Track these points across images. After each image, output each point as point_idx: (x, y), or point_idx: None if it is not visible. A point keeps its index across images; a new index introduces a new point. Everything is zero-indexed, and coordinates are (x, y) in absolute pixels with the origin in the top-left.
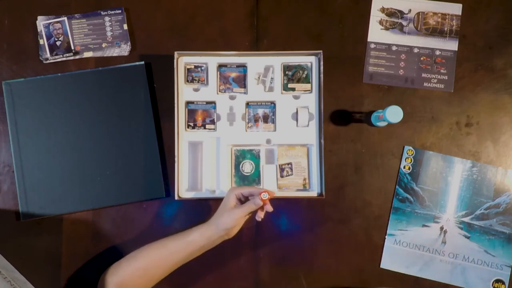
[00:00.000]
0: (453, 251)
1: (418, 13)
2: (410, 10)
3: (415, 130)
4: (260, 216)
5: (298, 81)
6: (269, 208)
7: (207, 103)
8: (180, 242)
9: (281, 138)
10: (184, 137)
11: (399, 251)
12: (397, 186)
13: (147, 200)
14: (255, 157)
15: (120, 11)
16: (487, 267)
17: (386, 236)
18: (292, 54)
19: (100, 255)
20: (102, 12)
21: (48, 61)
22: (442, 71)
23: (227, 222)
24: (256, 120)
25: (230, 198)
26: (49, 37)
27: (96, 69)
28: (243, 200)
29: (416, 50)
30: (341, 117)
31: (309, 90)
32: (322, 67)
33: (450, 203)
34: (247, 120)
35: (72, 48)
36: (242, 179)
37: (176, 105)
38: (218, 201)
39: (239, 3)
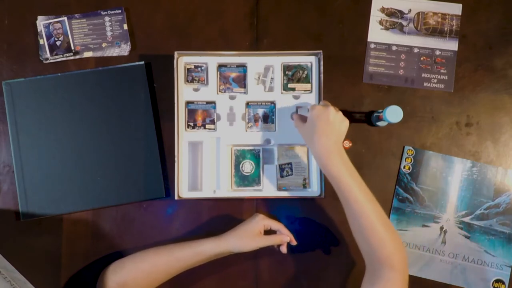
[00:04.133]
0: (453, 251)
1: (418, 13)
2: (410, 10)
3: (415, 130)
4: (284, 250)
5: (298, 81)
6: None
7: (207, 103)
8: (189, 251)
9: (281, 138)
10: (184, 137)
11: None
12: (397, 186)
13: (147, 200)
14: (255, 157)
15: (120, 11)
16: (487, 267)
17: None
18: (292, 54)
19: (100, 255)
20: (102, 12)
21: (48, 61)
22: (442, 71)
23: (246, 247)
24: (256, 120)
25: (257, 226)
26: (49, 37)
27: (96, 69)
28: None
29: (416, 50)
30: None
31: (309, 90)
32: (322, 67)
33: (450, 203)
34: (247, 120)
35: (72, 48)
36: (242, 179)
37: (176, 105)
38: (218, 201)
39: (239, 3)
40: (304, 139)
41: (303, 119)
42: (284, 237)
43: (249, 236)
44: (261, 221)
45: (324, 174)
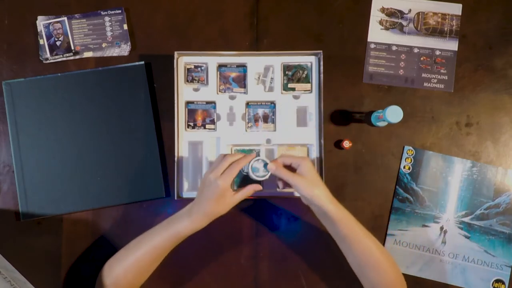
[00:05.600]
0: (453, 251)
1: (418, 13)
2: (410, 10)
3: (415, 130)
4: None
5: (298, 81)
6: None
7: (207, 103)
8: (166, 235)
9: (281, 138)
10: (184, 137)
11: (399, 251)
12: (397, 186)
13: (147, 200)
14: None
15: (120, 11)
16: (487, 267)
17: (386, 236)
18: (292, 54)
19: (100, 255)
20: (102, 12)
21: (48, 61)
22: (442, 71)
23: (224, 210)
24: (256, 120)
25: (218, 190)
26: (49, 37)
27: (96, 69)
28: None
29: (416, 50)
30: (341, 117)
31: (309, 90)
32: (322, 67)
33: (450, 203)
34: (247, 120)
35: (72, 48)
36: (242, 179)
37: (176, 105)
38: None
39: (239, 3)
40: (301, 189)
41: (290, 170)
42: (255, 187)
43: (216, 202)
44: (220, 183)
45: (329, 220)
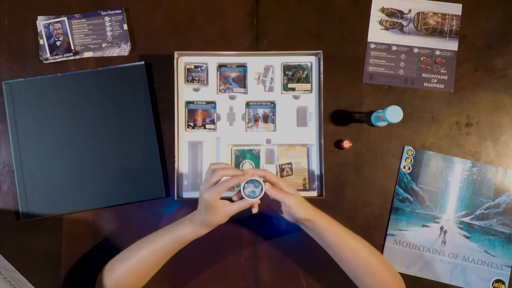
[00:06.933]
0: (453, 251)
1: (418, 13)
2: (410, 10)
3: (415, 130)
4: (255, 210)
5: (298, 81)
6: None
7: (207, 103)
8: (169, 239)
9: (281, 138)
10: (184, 137)
11: (399, 251)
12: (397, 186)
13: (147, 200)
14: (255, 157)
15: (120, 11)
16: (487, 267)
17: (386, 236)
18: (292, 54)
19: (100, 255)
20: (102, 12)
21: (48, 61)
22: (442, 71)
23: (221, 220)
24: (256, 120)
25: (206, 202)
26: (49, 37)
27: (96, 69)
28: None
29: (416, 50)
30: (341, 117)
31: (309, 90)
32: (322, 67)
33: (450, 203)
34: (247, 120)
35: (72, 48)
36: None
37: (176, 105)
38: None
39: (239, 3)
40: (293, 207)
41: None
42: (253, 200)
43: (219, 211)
44: (206, 197)
45: (316, 231)
